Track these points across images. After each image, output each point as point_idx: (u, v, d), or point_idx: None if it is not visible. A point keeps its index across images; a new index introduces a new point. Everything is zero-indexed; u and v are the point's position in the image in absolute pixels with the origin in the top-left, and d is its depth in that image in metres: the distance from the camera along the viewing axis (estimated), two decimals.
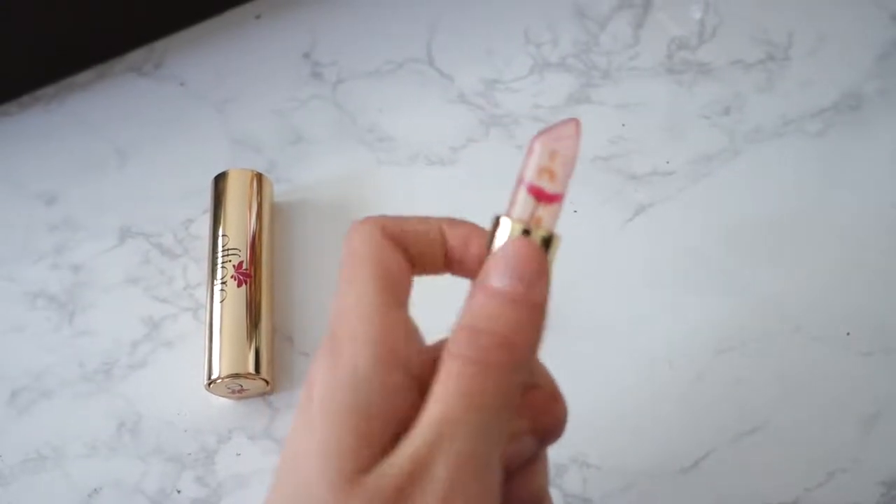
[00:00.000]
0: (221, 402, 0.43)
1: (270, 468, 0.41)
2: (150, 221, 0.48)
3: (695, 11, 0.52)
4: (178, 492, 0.41)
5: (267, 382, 0.42)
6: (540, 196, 0.24)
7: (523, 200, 0.24)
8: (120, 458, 0.42)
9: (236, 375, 0.41)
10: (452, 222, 0.26)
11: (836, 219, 0.46)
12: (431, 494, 0.22)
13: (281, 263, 0.46)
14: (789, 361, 0.43)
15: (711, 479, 0.40)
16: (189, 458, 0.42)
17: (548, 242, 0.24)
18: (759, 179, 0.47)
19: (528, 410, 0.26)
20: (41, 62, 0.52)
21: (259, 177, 0.46)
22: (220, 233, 0.44)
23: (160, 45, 0.53)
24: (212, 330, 0.42)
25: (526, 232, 0.24)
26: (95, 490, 0.41)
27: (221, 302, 0.42)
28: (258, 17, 0.54)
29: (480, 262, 0.25)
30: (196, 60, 0.53)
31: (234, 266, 0.43)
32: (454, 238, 0.26)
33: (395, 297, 0.24)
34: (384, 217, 0.26)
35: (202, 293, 0.45)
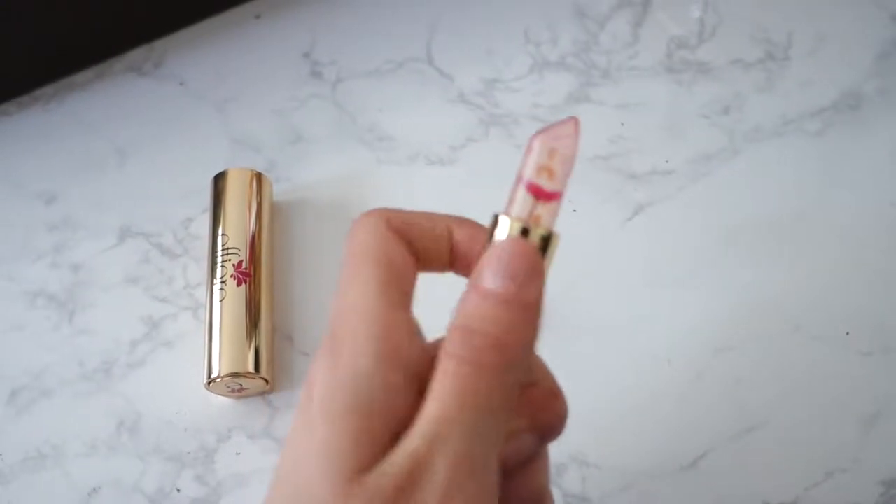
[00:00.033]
0: (221, 402, 0.43)
1: (270, 467, 0.41)
2: (149, 221, 0.48)
3: (694, 11, 0.52)
4: (178, 491, 0.41)
5: (266, 381, 0.42)
6: (539, 194, 0.24)
7: (522, 199, 0.24)
8: (119, 457, 0.42)
9: (236, 374, 0.41)
10: (460, 220, 0.26)
11: (836, 218, 0.46)
12: (431, 493, 0.22)
13: (280, 263, 0.46)
14: (789, 361, 0.43)
15: (711, 478, 0.40)
16: (188, 457, 0.42)
17: (547, 241, 0.24)
18: (758, 179, 0.47)
19: (527, 408, 0.26)
20: (40, 61, 0.52)
21: (259, 176, 0.46)
22: (220, 232, 0.44)
23: (160, 45, 0.53)
24: (211, 329, 0.42)
25: (525, 230, 0.24)
26: (95, 489, 0.41)
27: (221, 301, 0.42)
28: (258, 16, 0.54)
29: None
30: (196, 60, 0.53)
31: (233, 265, 0.43)
32: (461, 236, 0.26)
33: (398, 293, 0.24)
34: (390, 209, 0.26)
35: (202, 292, 0.45)
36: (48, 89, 0.52)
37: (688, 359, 0.43)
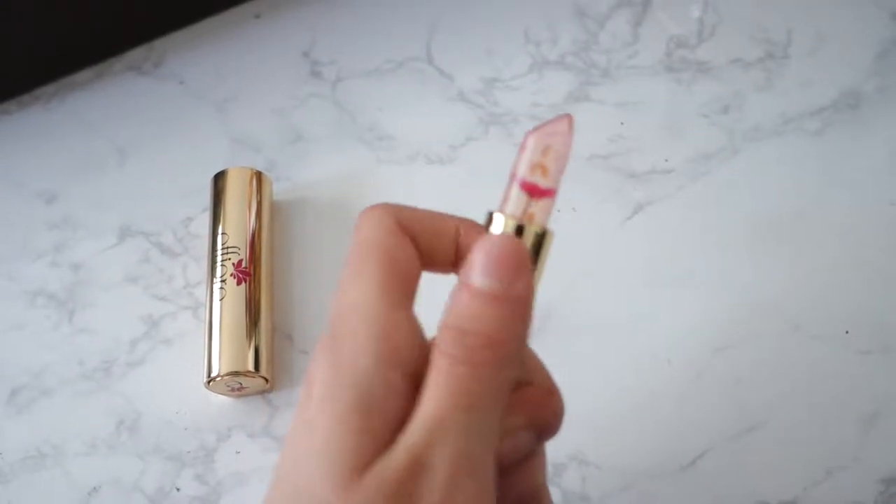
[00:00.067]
0: (221, 400, 0.43)
1: (270, 466, 0.41)
2: (149, 220, 0.48)
3: (694, 10, 0.53)
4: (178, 490, 0.41)
5: (266, 380, 0.42)
6: (533, 191, 0.24)
7: (516, 196, 0.24)
8: (119, 456, 0.42)
9: (236, 373, 0.41)
10: (467, 223, 0.26)
11: (835, 217, 0.46)
12: (431, 492, 0.22)
13: (280, 262, 0.46)
14: (788, 360, 0.43)
15: (710, 477, 0.40)
16: (188, 456, 0.42)
17: (541, 238, 0.24)
18: (758, 178, 0.47)
19: (524, 406, 0.26)
20: (41, 61, 0.52)
21: (259, 175, 0.46)
22: (220, 231, 0.44)
23: (160, 44, 0.53)
24: (211, 328, 0.42)
25: (519, 228, 0.24)
26: (95, 488, 0.41)
27: (221, 300, 0.42)
28: (258, 16, 0.54)
29: None
30: (196, 59, 0.53)
31: (233, 264, 0.43)
32: (467, 238, 0.26)
33: (400, 292, 0.24)
34: (397, 205, 0.26)
35: (202, 291, 0.45)
36: (48, 88, 0.52)
37: (687, 358, 0.43)
